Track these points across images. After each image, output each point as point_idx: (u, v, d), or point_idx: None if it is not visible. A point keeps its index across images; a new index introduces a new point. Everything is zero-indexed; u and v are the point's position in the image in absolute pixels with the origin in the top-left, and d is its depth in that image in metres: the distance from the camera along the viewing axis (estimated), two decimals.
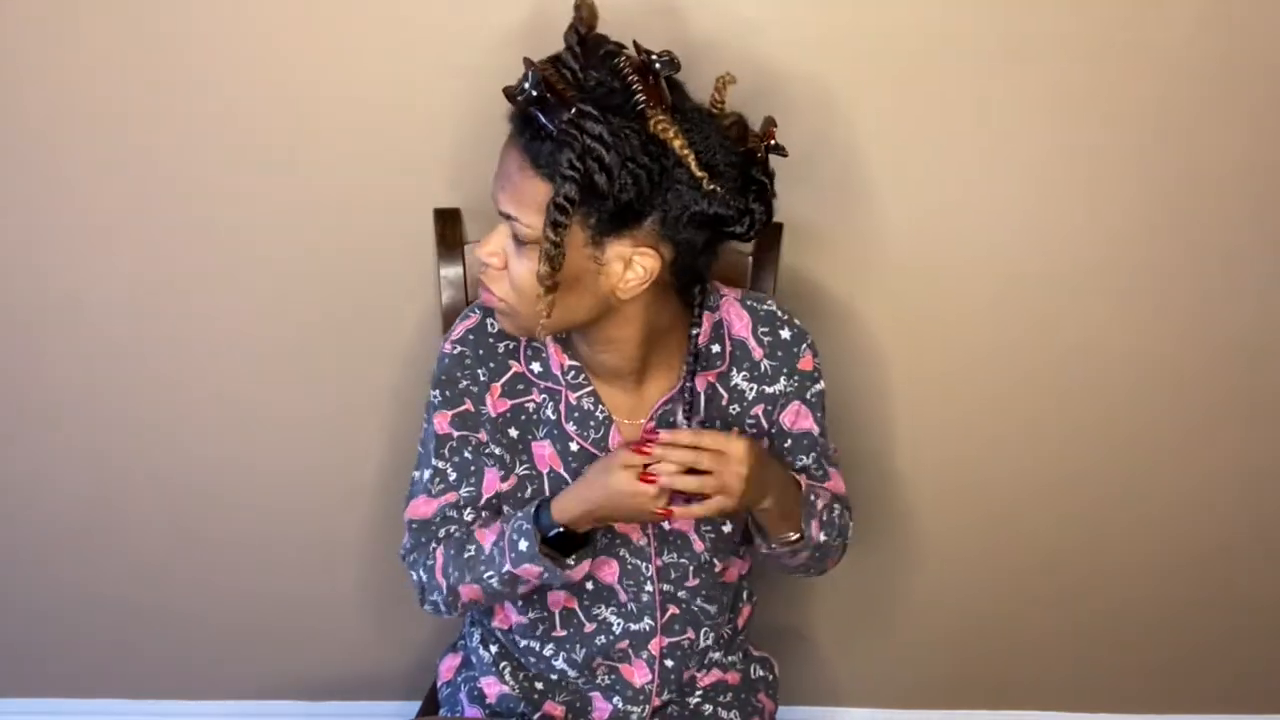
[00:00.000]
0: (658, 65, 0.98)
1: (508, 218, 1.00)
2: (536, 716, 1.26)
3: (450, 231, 1.39)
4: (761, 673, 1.37)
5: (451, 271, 1.38)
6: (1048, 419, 1.58)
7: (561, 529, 1.10)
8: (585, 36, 0.98)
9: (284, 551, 1.66)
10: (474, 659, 1.33)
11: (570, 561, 1.12)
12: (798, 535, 1.15)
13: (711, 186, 0.97)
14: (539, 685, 1.28)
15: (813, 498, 1.17)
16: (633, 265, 1.00)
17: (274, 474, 1.60)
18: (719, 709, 1.29)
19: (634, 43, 1.00)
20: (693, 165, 0.96)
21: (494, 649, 1.30)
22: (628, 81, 0.96)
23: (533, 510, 1.12)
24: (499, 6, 1.32)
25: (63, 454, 1.59)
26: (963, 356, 1.54)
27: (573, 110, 0.93)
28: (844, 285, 1.49)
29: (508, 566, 1.11)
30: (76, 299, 1.49)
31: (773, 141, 1.03)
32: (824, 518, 1.17)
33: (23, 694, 1.77)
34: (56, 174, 1.42)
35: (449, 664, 1.37)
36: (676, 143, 0.96)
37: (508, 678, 1.28)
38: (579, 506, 1.09)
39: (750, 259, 1.39)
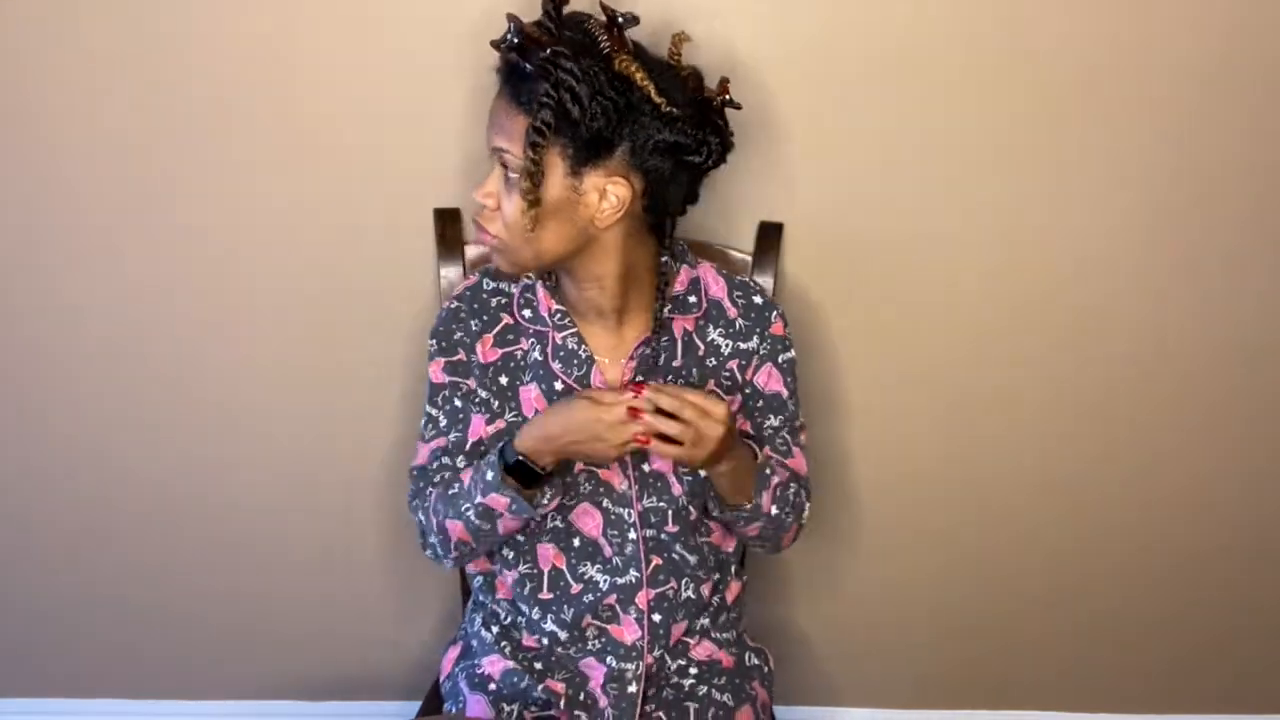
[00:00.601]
0: (620, 20, 1.11)
1: (499, 150, 1.12)
2: (540, 687, 1.30)
3: (450, 231, 1.39)
4: (756, 662, 1.39)
5: (452, 271, 1.38)
6: (1048, 418, 1.58)
7: (520, 457, 1.17)
8: (559, 6, 1.12)
9: (284, 551, 1.66)
10: (474, 644, 1.36)
11: (543, 501, 1.20)
12: (749, 504, 1.23)
13: (670, 109, 1.10)
14: (539, 665, 1.31)
15: (768, 471, 1.24)
16: (607, 195, 1.12)
17: (274, 474, 1.60)
18: (713, 690, 1.32)
19: (600, 4, 1.14)
20: (653, 93, 1.09)
21: (495, 629, 1.34)
22: (595, 35, 1.11)
23: (501, 444, 1.21)
24: (501, 7, 1.32)
25: (63, 454, 1.59)
26: (963, 355, 1.54)
27: (548, 51, 1.08)
28: (835, 284, 1.49)
29: (479, 497, 1.20)
30: (76, 299, 1.49)
31: (727, 96, 1.16)
32: (777, 493, 1.25)
33: (23, 694, 1.77)
34: (56, 174, 1.42)
35: (450, 656, 1.39)
36: (638, 75, 1.09)
37: (509, 654, 1.32)
38: (537, 433, 1.17)
39: (751, 259, 1.40)
